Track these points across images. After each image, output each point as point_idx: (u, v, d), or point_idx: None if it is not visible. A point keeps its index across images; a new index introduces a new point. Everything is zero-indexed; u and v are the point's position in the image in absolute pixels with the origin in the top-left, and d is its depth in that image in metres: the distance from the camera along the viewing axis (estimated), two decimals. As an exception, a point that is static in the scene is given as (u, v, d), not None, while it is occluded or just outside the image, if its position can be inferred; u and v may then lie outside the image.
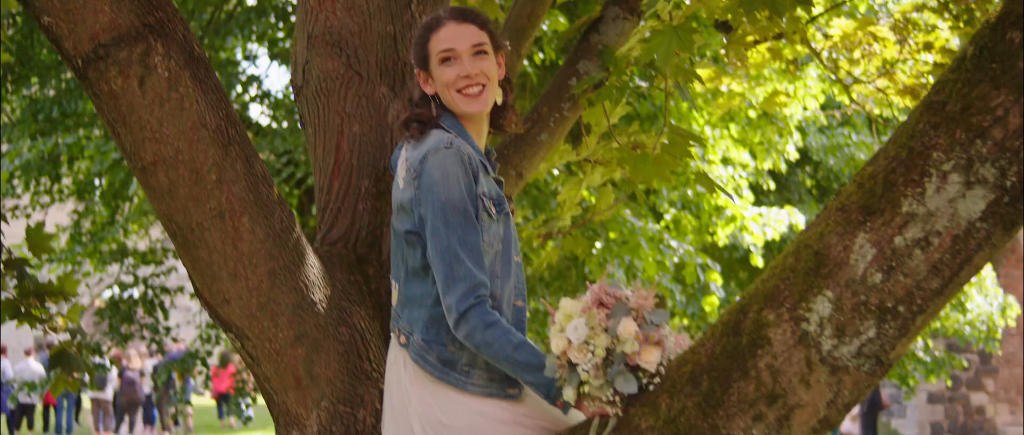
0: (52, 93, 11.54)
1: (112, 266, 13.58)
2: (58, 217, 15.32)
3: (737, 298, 16.32)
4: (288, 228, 3.67)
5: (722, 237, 12.34)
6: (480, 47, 3.32)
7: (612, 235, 11.11)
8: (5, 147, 11.38)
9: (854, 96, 9.28)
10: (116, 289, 13.25)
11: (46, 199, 13.57)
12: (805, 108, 11.65)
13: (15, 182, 12.34)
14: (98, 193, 12.86)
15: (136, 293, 13.25)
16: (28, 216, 13.28)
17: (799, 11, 7.68)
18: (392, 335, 3.35)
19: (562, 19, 10.27)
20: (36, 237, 5.45)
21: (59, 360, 4.98)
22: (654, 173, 4.38)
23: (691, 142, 4.37)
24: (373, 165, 3.95)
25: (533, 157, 4.34)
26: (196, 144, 3.48)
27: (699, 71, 8.90)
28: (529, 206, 10.75)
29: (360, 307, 3.78)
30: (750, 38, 7.80)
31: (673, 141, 4.43)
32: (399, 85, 3.99)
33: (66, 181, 13.56)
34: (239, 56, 12.67)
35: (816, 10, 9.12)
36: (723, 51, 8.34)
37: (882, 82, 8.68)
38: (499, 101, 3.43)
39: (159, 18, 3.43)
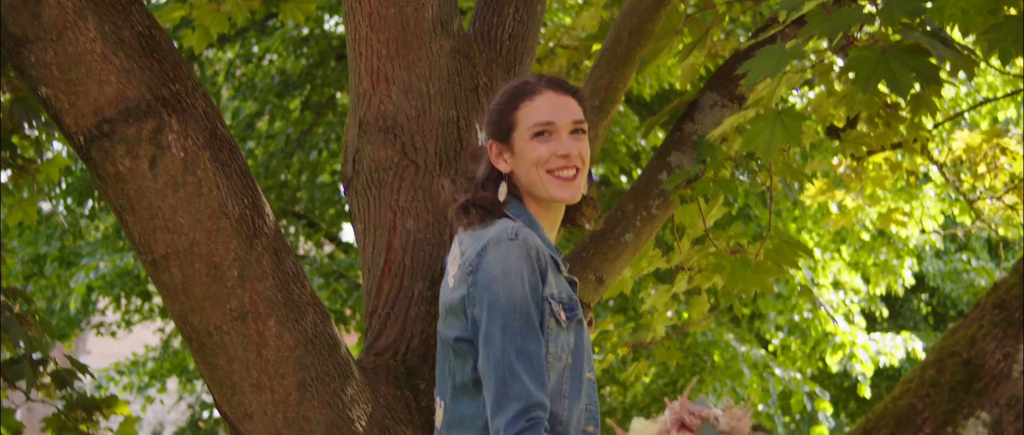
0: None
1: (197, 383, 13.22)
2: (144, 336, 15.06)
3: (847, 431, 15.56)
4: (322, 334, 3.16)
5: (832, 364, 11.61)
6: (580, 125, 2.80)
7: (717, 359, 10.46)
8: (85, 262, 11.13)
9: (979, 214, 8.61)
10: (197, 408, 12.85)
11: (136, 317, 13.27)
12: (923, 230, 10.96)
13: (100, 300, 12.06)
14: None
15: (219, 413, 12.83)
16: (113, 334, 12.98)
17: (921, 119, 7.08)
18: (435, 464, 2.79)
19: (662, 135, 9.78)
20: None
21: (92, 481, 4.56)
22: (754, 283, 3.79)
23: (799, 253, 3.79)
24: (428, 266, 3.44)
25: (616, 260, 3.78)
26: (215, 235, 3.00)
27: (808, 185, 8.30)
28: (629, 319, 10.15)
29: (407, 427, 3.25)
30: (865, 148, 7.21)
31: (778, 249, 3.86)
32: (461, 175, 3.49)
33: (158, 300, 13.27)
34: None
35: (940, 117, 8.52)
36: (836, 160, 7.76)
37: (1010, 198, 8.02)
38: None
39: (175, 91, 2.98)
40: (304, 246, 12.75)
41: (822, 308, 3.76)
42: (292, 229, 11.83)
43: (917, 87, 3.91)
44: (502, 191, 2.80)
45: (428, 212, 3.47)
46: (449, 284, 2.79)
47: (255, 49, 11.02)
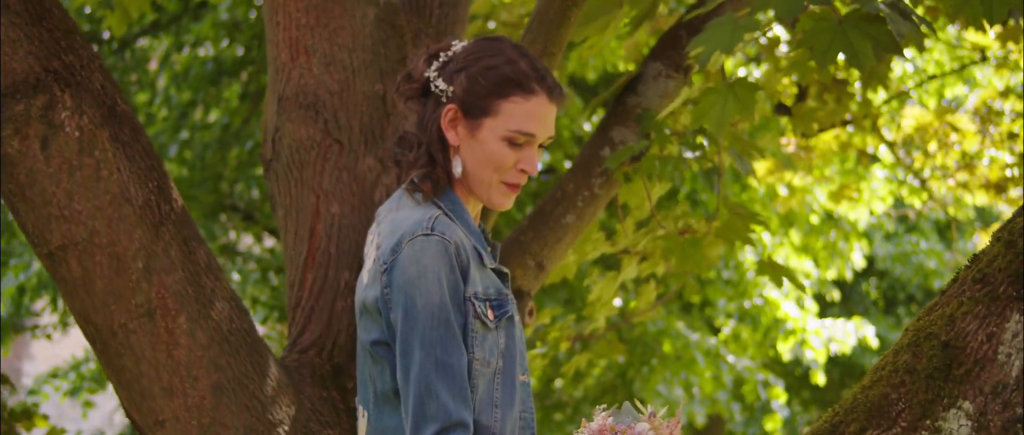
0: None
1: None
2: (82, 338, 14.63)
3: (801, 419, 15.27)
4: (239, 330, 2.90)
5: (784, 352, 11.44)
6: (549, 141, 2.53)
7: (666, 349, 10.25)
8: (14, 262, 10.73)
9: (931, 193, 8.47)
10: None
11: (73, 318, 12.87)
12: (872, 213, 10.81)
13: (37, 302, 11.66)
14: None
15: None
16: (48, 337, 12.58)
17: (870, 93, 6.92)
18: (359, 475, 2.54)
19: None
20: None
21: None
22: (705, 261, 3.57)
23: (752, 223, 3.57)
24: (355, 254, 3.19)
25: (557, 244, 3.53)
26: (117, 223, 2.73)
27: (756, 166, 8.12)
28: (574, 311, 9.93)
29: (333, 430, 3.00)
30: (815, 126, 7.05)
31: (729, 224, 3.63)
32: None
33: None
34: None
35: (884, 96, 8.37)
36: (785, 141, 7.59)
37: (962, 175, 7.88)
38: None
39: (67, 63, 2.71)
40: (247, 241, 12.44)
41: (792, 282, 3.52)
42: (230, 224, 11.52)
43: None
44: (457, 168, 2.52)
45: (354, 195, 3.22)
46: (363, 281, 2.53)
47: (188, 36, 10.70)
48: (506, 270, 2.59)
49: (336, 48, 3.26)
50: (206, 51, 10.82)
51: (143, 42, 11.43)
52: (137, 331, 2.78)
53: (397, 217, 2.48)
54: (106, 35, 11.24)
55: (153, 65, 11.46)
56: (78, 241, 2.72)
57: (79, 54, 2.74)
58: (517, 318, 2.55)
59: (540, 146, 2.52)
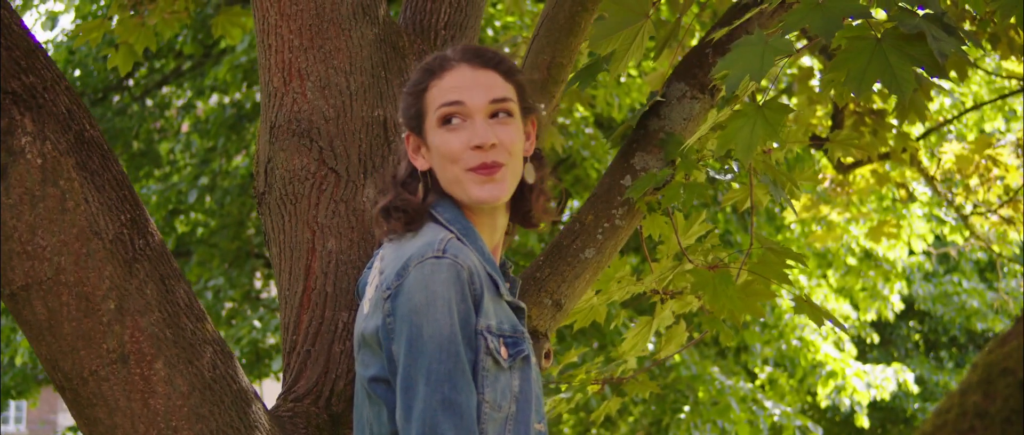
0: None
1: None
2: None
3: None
4: (224, 377, 2.64)
5: (822, 397, 11.12)
6: (502, 105, 2.28)
7: (701, 395, 9.96)
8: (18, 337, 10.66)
9: (973, 230, 8.17)
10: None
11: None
12: (912, 252, 10.51)
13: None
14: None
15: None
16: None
17: (907, 127, 6.64)
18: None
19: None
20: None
21: None
22: (744, 307, 3.27)
23: (789, 262, 3.28)
24: (354, 292, 2.93)
25: (576, 280, 3.25)
26: (85, 259, 2.48)
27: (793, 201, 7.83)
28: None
29: (329, 486, 2.72)
30: (849, 160, 6.77)
31: (764, 260, 3.34)
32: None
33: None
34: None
35: (922, 128, 8.07)
36: (820, 176, 7.31)
37: (1005, 211, 7.58)
38: (528, 179, 2.39)
39: (28, 84, 2.46)
40: (274, 291, 12.22)
41: (830, 322, 3.24)
42: (257, 272, 11.32)
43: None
44: (419, 191, 2.32)
45: (352, 229, 2.96)
46: (364, 310, 2.28)
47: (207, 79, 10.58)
48: (523, 305, 2.34)
49: (332, 71, 3.02)
50: (227, 99, 10.71)
51: (165, 90, 11.32)
52: (110, 378, 2.52)
53: (404, 244, 2.25)
54: (130, 82, 11.14)
55: (174, 113, 11.35)
56: (42, 280, 2.47)
57: (41, 75, 2.50)
58: (533, 360, 2.29)
59: (502, 116, 2.28)
